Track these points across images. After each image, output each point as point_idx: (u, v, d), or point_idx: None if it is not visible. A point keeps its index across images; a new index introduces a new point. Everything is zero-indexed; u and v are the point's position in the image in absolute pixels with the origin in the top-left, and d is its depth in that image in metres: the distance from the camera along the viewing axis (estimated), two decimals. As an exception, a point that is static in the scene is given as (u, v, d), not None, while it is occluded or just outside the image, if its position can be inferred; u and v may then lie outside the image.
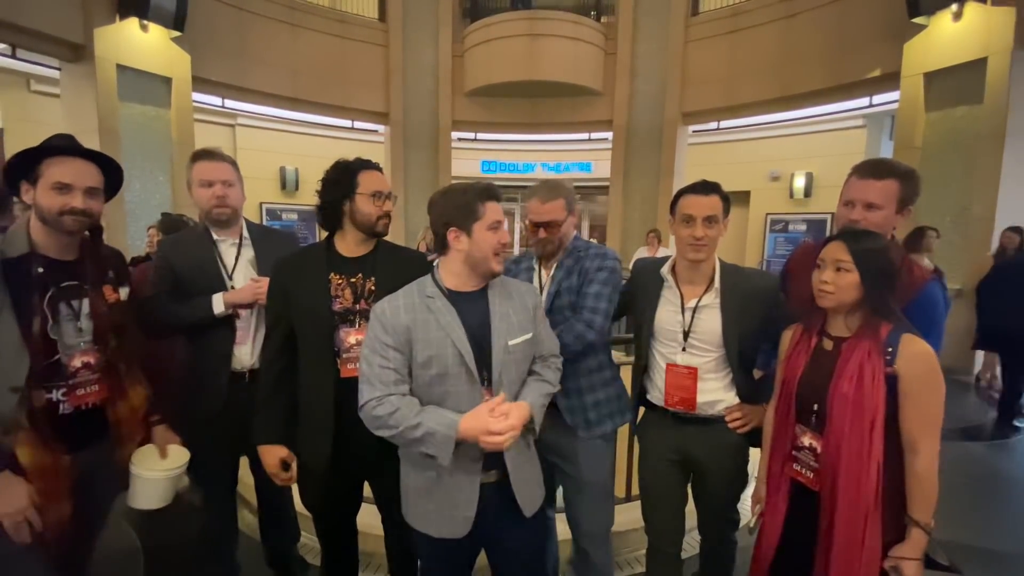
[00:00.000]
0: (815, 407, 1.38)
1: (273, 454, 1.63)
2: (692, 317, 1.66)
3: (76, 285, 1.44)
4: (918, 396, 1.27)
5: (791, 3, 7.66)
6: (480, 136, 11.16)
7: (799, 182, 9.81)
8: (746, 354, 1.67)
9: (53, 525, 1.35)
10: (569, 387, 1.70)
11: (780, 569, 1.47)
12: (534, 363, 1.51)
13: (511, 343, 1.38)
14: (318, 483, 1.66)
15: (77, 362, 1.42)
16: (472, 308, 1.38)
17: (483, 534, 1.40)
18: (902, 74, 6.14)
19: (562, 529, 2.02)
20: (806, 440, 1.41)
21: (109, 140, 5.97)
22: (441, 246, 1.40)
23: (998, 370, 5.14)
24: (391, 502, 1.60)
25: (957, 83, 5.68)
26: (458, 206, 1.36)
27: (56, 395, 1.39)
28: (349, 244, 1.65)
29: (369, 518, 1.82)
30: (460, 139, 10.70)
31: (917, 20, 5.90)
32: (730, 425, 1.67)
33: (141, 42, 6.34)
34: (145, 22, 6.26)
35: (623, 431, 1.95)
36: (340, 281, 1.61)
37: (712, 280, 1.66)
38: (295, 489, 1.78)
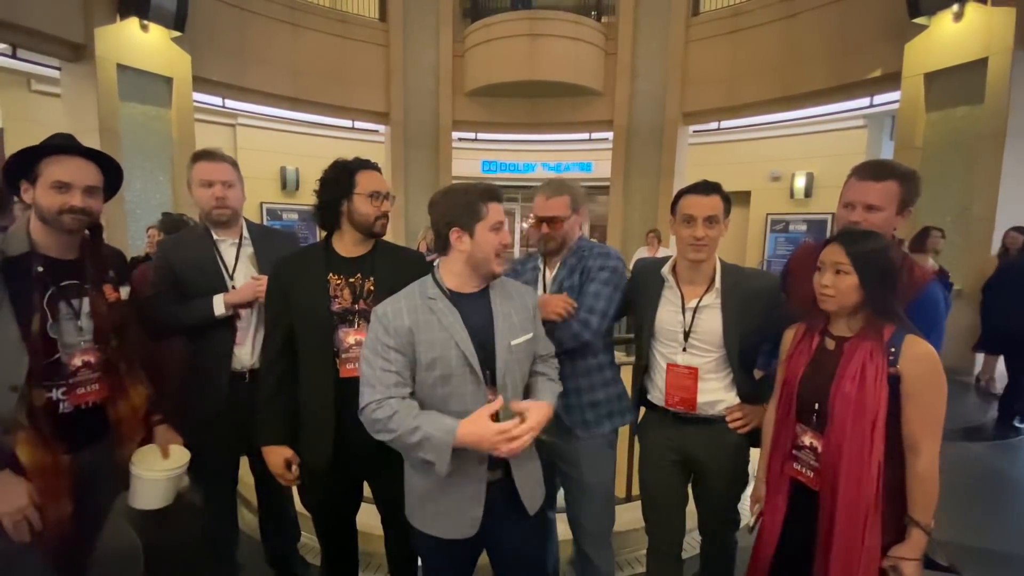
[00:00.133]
0: (816, 406, 1.38)
1: (278, 455, 1.63)
2: (693, 317, 1.66)
3: (76, 284, 1.45)
4: (920, 397, 1.27)
5: (792, 3, 7.65)
6: (480, 136, 11.16)
7: (800, 182, 9.81)
8: (747, 354, 1.67)
9: (53, 524, 1.35)
10: (568, 387, 1.70)
11: (779, 568, 1.47)
12: (535, 363, 1.51)
13: (514, 343, 1.38)
14: (318, 483, 1.66)
15: (77, 361, 1.42)
16: (474, 309, 1.38)
17: (486, 534, 1.40)
18: (903, 74, 6.14)
19: (563, 529, 2.02)
20: (807, 439, 1.41)
21: (110, 140, 5.97)
22: (443, 246, 1.40)
23: (997, 371, 5.14)
24: (391, 502, 1.61)
25: (958, 83, 5.68)
26: (461, 206, 1.35)
27: (56, 394, 1.39)
28: (347, 244, 1.65)
29: (369, 518, 1.82)
30: (460, 139, 10.69)
31: (918, 20, 5.90)
32: (731, 425, 1.67)
33: (142, 42, 6.35)
34: (146, 22, 6.26)
35: (624, 431, 1.95)
36: (339, 281, 1.61)
37: (713, 280, 1.66)
38: (295, 489, 1.78)
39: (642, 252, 7.36)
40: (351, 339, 1.59)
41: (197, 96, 7.35)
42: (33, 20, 5.41)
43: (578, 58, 8.99)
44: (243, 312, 1.85)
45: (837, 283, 1.33)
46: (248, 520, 2.54)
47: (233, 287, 1.86)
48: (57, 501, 1.36)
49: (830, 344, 1.41)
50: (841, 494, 1.30)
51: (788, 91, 7.86)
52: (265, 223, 9.41)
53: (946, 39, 5.74)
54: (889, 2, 6.28)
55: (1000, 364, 5.12)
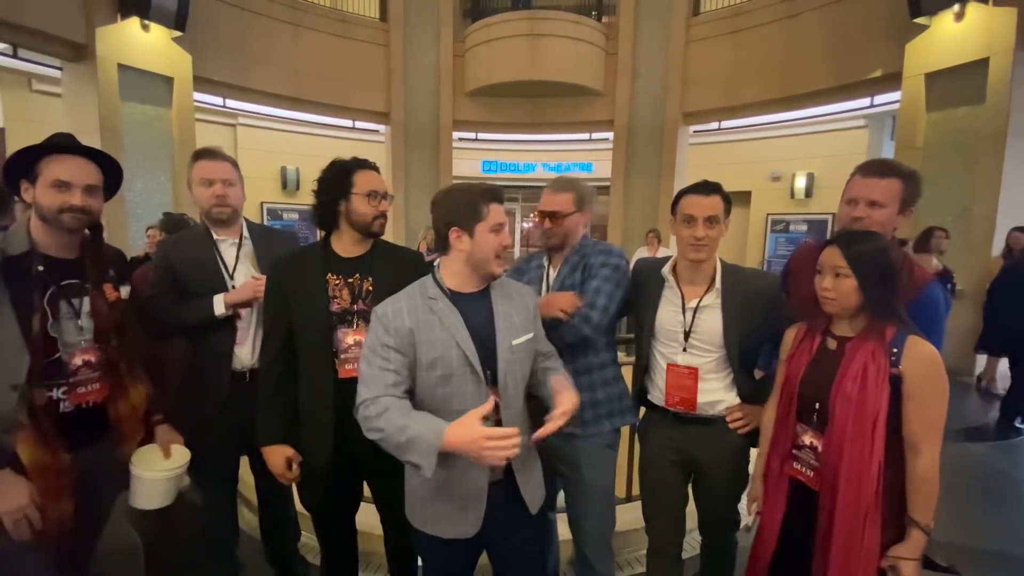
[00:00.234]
0: (816, 406, 1.38)
1: (279, 454, 1.63)
2: (693, 317, 1.66)
3: (77, 283, 1.45)
4: (922, 398, 1.27)
5: (792, 3, 7.65)
6: (481, 136, 11.16)
7: (800, 182, 9.80)
8: (747, 354, 1.67)
9: (54, 524, 1.35)
10: None
11: (778, 568, 1.47)
12: (540, 360, 1.51)
13: (515, 343, 1.38)
14: (317, 483, 1.66)
15: (78, 360, 1.43)
16: (475, 309, 1.38)
17: (486, 534, 1.40)
18: (904, 74, 6.14)
19: (563, 529, 2.01)
20: (807, 439, 1.41)
21: (111, 140, 5.97)
22: (443, 246, 1.40)
23: (998, 372, 5.14)
24: (391, 502, 1.60)
25: (959, 83, 5.67)
26: (461, 206, 1.35)
27: (57, 393, 1.39)
28: (346, 244, 1.65)
29: (369, 518, 1.82)
30: (461, 139, 10.69)
31: (919, 20, 5.90)
32: (731, 425, 1.67)
33: (143, 42, 6.35)
34: (146, 22, 6.27)
35: (624, 431, 1.94)
36: (337, 282, 1.61)
37: (713, 280, 1.66)
38: (295, 489, 1.78)
39: (642, 252, 7.36)
40: (350, 339, 1.59)
41: (198, 96, 7.36)
42: (34, 20, 5.42)
43: (579, 58, 8.99)
44: (243, 312, 1.85)
45: (837, 286, 1.33)
46: (248, 519, 2.54)
47: (233, 287, 1.86)
48: (58, 500, 1.36)
49: (832, 344, 1.41)
50: (841, 494, 1.30)
51: (789, 91, 7.86)
52: (266, 223, 9.44)
53: (947, 39, 5.73)
54: (890, 2, 6.28)
55: (1002, 365, 5.12)
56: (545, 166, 12.19)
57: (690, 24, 8.84)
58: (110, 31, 6.05)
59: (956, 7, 5.57)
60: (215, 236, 1.90)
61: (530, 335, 1.43)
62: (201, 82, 7.24)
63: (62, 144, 1.41)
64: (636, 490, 2.09)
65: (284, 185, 10.56)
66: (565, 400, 1.34)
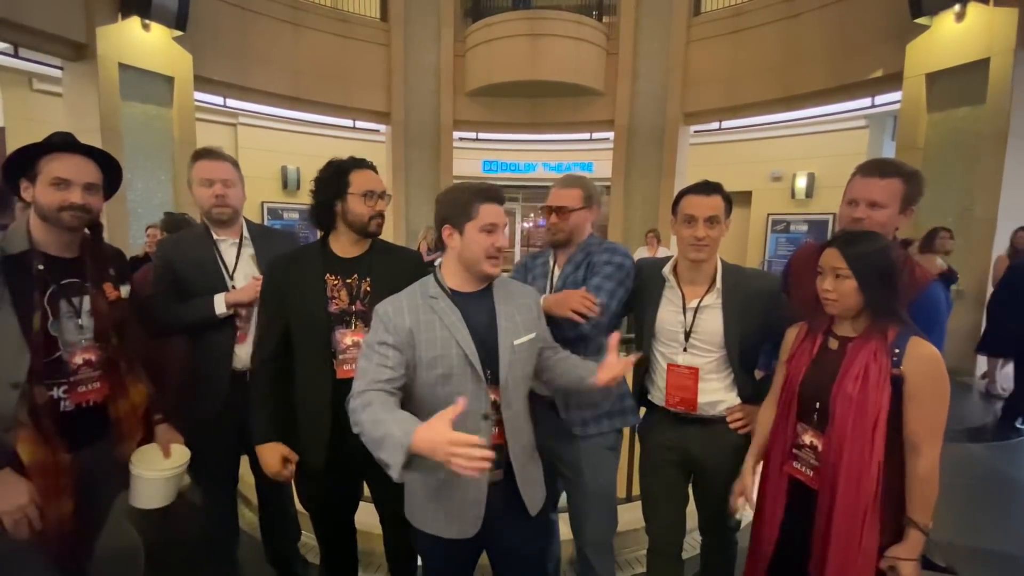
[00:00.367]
0: (817, 405, 1.38)
1: (274, 451, 1.61)
2: (694, 317, 1.66)
3: (77, 282, 1.45)
4: (923, 399, 1.27)
5: (793, 3, 7.65)
6: (481, 136, 11.15)
7: (801, 182, 9.80)
8: (747, 354, 1.67)
9: (54, 523, 1.35)
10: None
11: (776, 566, 1.48)
12: (549, 356, 1.52)
13: (516, 343, 1.38)
14: (316, 483, 1.66)
15: (78, 359, 1.42)
16: (476, 308, 1.38)
17: (487, 534, 1.40)
18: (904, 74, 6.13)
19: (564, 529, 2.01)
20: (807, 438, 1.41)
21: (111, 139, 5.98)
22: (441, 243, 1.41)
23: (998, 373, 5.13)
24: (390, 502, 1.60)
25: (959, 84, 5.67)
26: (454, 204, 1.36)
27: (57, 392, 1.39)
28: (343, 244, 1.64)
29: (369, 517, 1.82)
30: (461, 139, 10.70)
31: (919, 20, 5.90)
32: (731, 426, 1.66)
33: (143, 41, 6.36)
34: (147, 21, 6.28)
35: (625, 430, 1.94)
36: (336, 282, 1.61)
37: (714, 280, 1.66)
38: (295, 488, 1.78)
39: (642, 252, 7.36)
40: (348, 340, 1.58)
41: (198, 95, 7.37)
42: (35, 19, 5.42)
43: (579, 58, 8.99)
44: (243, 311, 1.85)
45: (838, 287, 1.33)
46: (249, 519, 2.54)
47: (233, 286, 1.85)
48: (58, 500, 1.36)
49: (833, 344, 1.41)
50: (840, 493, 1.30)
51: (789, 91, 7.86)
52: (266, 222, 9.45)
53: (948, 39, 5.73)
54: (891, 2, 6.28)
55: (1002, 365, 5.12)
56: (546, 166, 12.19)
57: (691, 24, 8.83)
58: (111, 31, 6.05)
59: (957, 7, 5.56)
60: (215, 236, 1.90)
61: (532, 335, 1.43)
62: (202, 81, 7.25)
63: (62, 142, 1.41)
64: (636, 490, 2.09)
65: (284, 185, 10.57)
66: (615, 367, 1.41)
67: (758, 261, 10.16)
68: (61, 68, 6.22)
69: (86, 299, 1.45)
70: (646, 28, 9.08)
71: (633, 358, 1.52)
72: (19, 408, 1.30)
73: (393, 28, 9.32)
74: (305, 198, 1.68)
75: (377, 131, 10.39)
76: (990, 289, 5.20)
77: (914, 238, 4.91)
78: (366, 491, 1.78)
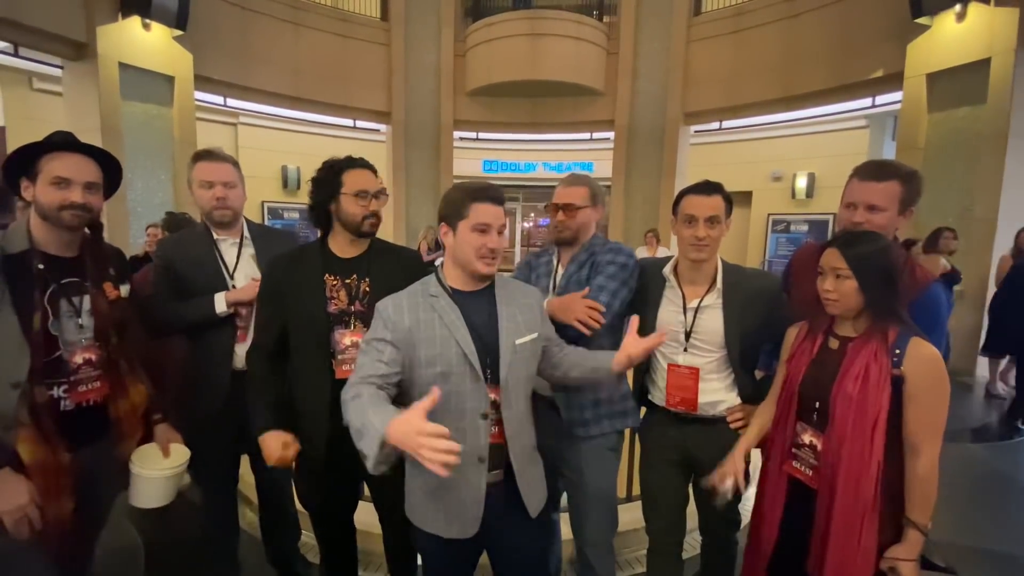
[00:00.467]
0: (816, 405, 1.38)
1: (276, 439, 1.57)
2: (694, 317, 1.66)
3: (77, 282, 1.45)
4: (923, 399, 1.27)
5: (794, 3, 7.64)
6: (482, 136, 11.16)
7: (801, 182, 9.80)
8: (748, 354, 1.67)
9: (54, 522, 1.35)
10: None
11: (775, 566, 1.47)
12: (556, 352, 1.52)
13: (518, 342, 1.38)
14: (315, 483, 1.66)
15: (78, 359, 1.42)
16: (478, 307, 1.38)
17: (487, 534, 1.40)
18: (905, 75, 6.13)
19: (565, 529, 2.01)
20: (807, 438, 1.41)
21: (111, 138, 5.98)
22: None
23: (998, 373, 5.13)
24: (389, 502, 1.60)
25: (960, 84, 5.67)
26: (450, 203, 1.37)
27: (58, 392, 1.39)
28: (341, 244, 1.64)
29: (368, 517, 1.82)
30: (462, 138, 10.70)
31: (920, 20, 5.90)
32: (732, 425, 1.66)
33: (143, 41, 6.36)
34: (147, 21, 6.28)
35: (625, 431, 1.94)
36: (335, 282, 1.60)
37: (714, 280, 1.66)
38: (295, 488, 1.78)
39: (641, 252, 7.36)
40: (347, 340, 1.58)
41: (199, 95, 7.37)
42: (35, 19, 5.42)
43: (579, 58, 8.98)
44: (244, 311, 1.85)
45: (838, 287, 1.33)
46: (249, 519, 2.54)
47: (233, 286, 1.85)
48: (58, 499, 1.36)
49: (833, 344, 1.41)
50: (839, 493, 1.30)
51: (790, 91, 7.86)
52: (266, 222, 9.45)
53: (948, 39, 5.73)
54: (891, 2, 6.27)
55: (1003, 366, 5.11)
56: (546, 166, 12.19)
57: (691, 24, 8.83)
58: (111, 30, 6.05)
59: (957, 7, 5.56)
60: (215, 236, 1.90)
61: (534, 335, 1.43)
62: (202, 81, 7.25)
63: (62, 141, 1.41)
64: (636, 490, 2.09)
65: (285, 184, 10.57)
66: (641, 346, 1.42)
67: (758, 261, 10.16)
68: (61, 67, 6.22)
69: (86, 298, 1.45)
70: (646, 28, 9.08)
71: (660, 336, 1.47)
72: (19, 407, 1.30)
73: (393, 28, 9.32)
74: (305, 198, 1.68)
75: (377, 131, 10.39)
76: (991, 289, 5.20)
77: (918, 238, 4.91)
78: (366, 491, 1.78)
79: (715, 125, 9.89)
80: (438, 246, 7.45)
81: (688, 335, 1.66)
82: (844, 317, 1.39)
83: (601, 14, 9.54)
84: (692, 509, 1.83)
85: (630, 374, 1.95)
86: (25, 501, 1.29)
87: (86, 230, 1.49)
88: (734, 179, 8.93)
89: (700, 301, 1.66)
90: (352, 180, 1.59)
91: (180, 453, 1.64)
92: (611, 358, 1.46)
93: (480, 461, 1.34)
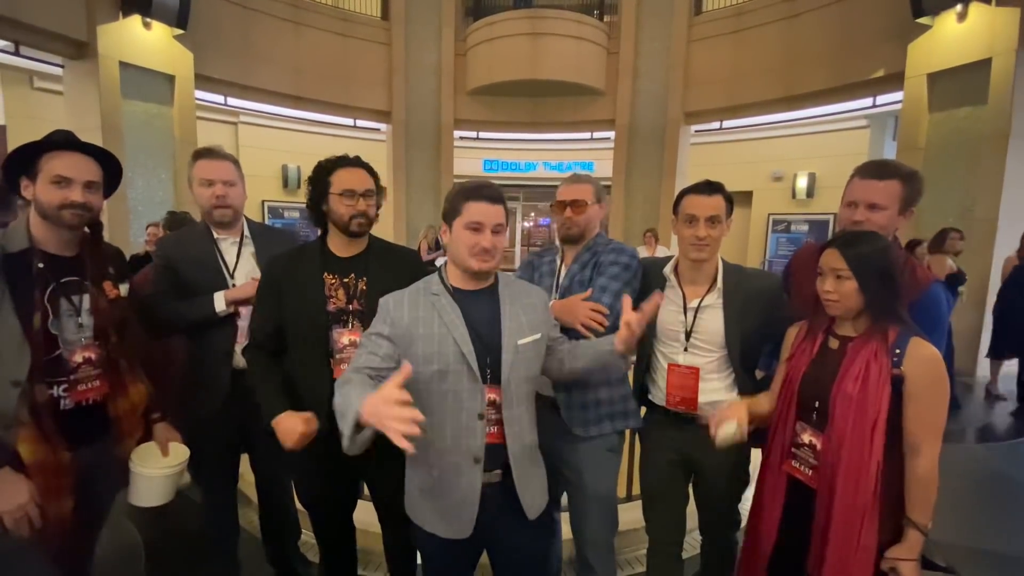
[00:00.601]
0: (816, 404, 1.38)
1: (292, 418, 1.51)
2: (694, 317, 1.66)
3: (77, 281, 1.45)
4: (923, 399, 1.27)
5: (794, 3, 7.64)
6: (482, 135, 11.16)
7: (802, 182, 9.80)
8: (748, 354, 1.67)
9: (54, 521, 1.35)
10: (571, 382, 1.68)
11: (774, 565, 1.47)
12: (560, 348, 1.52)
13: (521, 343, 1.37)
14: (314, 481, 1.66)
15: (78, 358, 1.42)
16: (479, 307, 1.38)
17: (486, 535, 1.40)
18: (906, 75, 6.13)
19: (565, 528, 2.01)
20: (806, 437, 1.41)
21: (112, 137, 5.97)
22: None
23: (1000, 374, 5.12)
24: (388, 501, 1.60)
25: (961, 84, 5.66)
26: (449, 201, 1.38)
27: (57, 391, 1.39)
28: (338, 244, 1.65)
29: (368, 516, 1.82)
30: (462, 138, 10.70)
31: (921, 20, 5.89)
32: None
33: (144, 40, 6.35)
34: (148, 20, 6.27)
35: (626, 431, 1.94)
36: (333, 281, 1.61)
37: (715, 280, 1.66)
38: (295, 487, 1.78)
39: (640, 252, 7.35)
40: (345, 339, 1.58)
41: (199, 94, 7.36)
42: (36, 17, 5.42)
43: (580, 57, 8.98)
44: (244, 310, 1.85)
45: (839, 288, 1.33)
46: (249, 518, 2.54)
47: (233, 285, 1.85)
48: (58, 498, 1.36)
49: (833, 343, 1.41)
50: (839, 493, 1.30)
51: (790, 91, 7.85)
52: (267, 221, 9.45)
53: (949, 39, 5.72)
54: (892, 2, 6.27)
55: (1005, 367, 5.10)
56: (546, 165, 12.19)
57: (692, 23, 8.82)
58: (111, 29, 6.05)
59: (958, 7, 5.56)
60: (215, 235, 1.90)
61: (538, 335, 1.42)
62: (202, 80, 7.24)
63: (62, 140, 1.41)
64: (636, 490, 2.09)
65: (285, 183, 10.58)
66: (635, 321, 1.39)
67: (759, 261, 10.16)
68: (62, 66, 6.22)
69: (86, 297, 1.45)
70: (647, 27, 9.07)
71: (656, 298, 1.42)
72: (19, 406, 1.30)
73: (394, 27, 9.31)
74: (305, 197, 1.69)
75: (378, 130, 10.39)
76: (991, 290, 5.19)
77: (923, 239, 4.90)
78: (365, 490, 1.78)
79: (715, 125, 9.88)
80: (438, 246, 7.45)
81: (688, 335, 1.66)
82: (844, 318, 1.39)
83: (602, 14, 9.54)
84: (692, 509, 1.83)
85: (630, 374, 1.95)
86: (25, 500, 1.29)
87: (86, 229, 1.49)
88: (734, 179, 8.91)
89: (700, 301, 1.66)
90: (339, 180, 1.59)
91: (179, 452, 1.64)
92: (613, 339, 1.45)
93: (476, 462, 1.34)
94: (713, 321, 1.64)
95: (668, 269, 1.73)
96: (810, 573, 1.37)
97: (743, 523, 1.85)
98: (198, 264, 1.86)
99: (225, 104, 8.81)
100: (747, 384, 1.68)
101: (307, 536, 2.35)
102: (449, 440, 1.33)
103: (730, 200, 1.63)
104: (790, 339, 1.52)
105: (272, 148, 10.31)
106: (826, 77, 7.38)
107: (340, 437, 1.51)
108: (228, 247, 1.91)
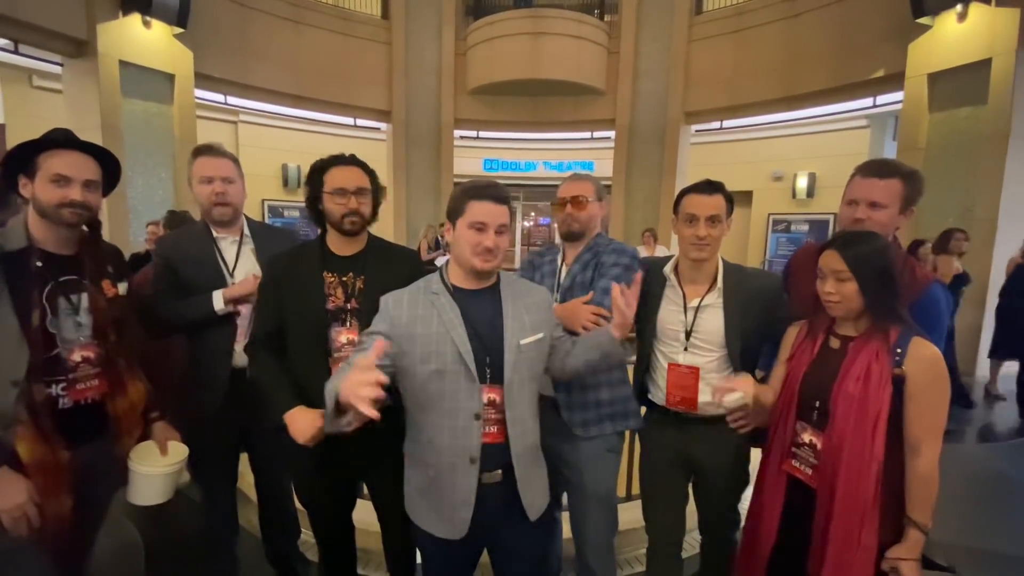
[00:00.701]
0: (817, 404, 1.38)
1: (305, 413, 1.49)
2: (695, 316, 1.65)
3: (75, 279, 1.44)
4: (924, 398, 1.27)
5: (795, 3, 7.63)
6: (482, 134, 11.16)
7: (802, 182, 9.80)
8: (748, 354, 1.67)
9: (53, 521, 1.35)
10: (572, 382, 1.68)
11: (774, 565, 1.47)
12: (563, 346, 1.52)
13: (523, 342, 1.37)
14: (313, 481, 1.65)
15: (76, 357, 1.42)
16: (480, 306, 1.38)
17: (484, 535, 1.40)
18: (906, 75, 6.12)
19: (566, 528, 2.01)
20: (806, 437, 1.41)
21: (112, 136, 5.97)
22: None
23: (999, 374, 5.11)
24: (387, 501, 1.60)
25: (961, 84, 5.66)
26: (452, 200, 1.39)
27: (56, 390, 1.39)
28: (337, 242, 1.65)
29: (367, 515, 1.82)
30: (462, 137, 10.70)
31: (921, 21, 5.89)
32: (732, 425, 1.66)
33: (144, 38, 6.35)
34: (148, 18, 6.26)
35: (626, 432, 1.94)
36: (332, 280, 1.61)
37: (715, 280, 1.66)
38: (294, 486, 1.77)
39: (640, 252, 7.35)
40: (343, 338, 1.58)
41: (199, 93, 7.35)
42: (35, 16, 5.41)
43: (580, 57, 8.98)
44: (243, 309, 1.84)
45: (839, 289, 1.33)
46: (249, 517, 2.53)
47: (233, 284, 1.85)
48: (57, 497, 1.36)
49: (834, 343, 1.41)
50: (839, 492, 1.30)
51: (791, 91, 7.85)
52: (267, 220, 9.44)
53: (950, 39, 5.72)
54: (892, 2, 6.26)
55: (1005, 367, 5.09)
56: (546, 165, 12.18)
57: (692, 23, 8.82)
58: (111, 27, 6.04)
59: (959, 7, 5.55)
60: (215, 233, 1.90)
61: (540, 335, 1.42)
62: (202, 79, 7.23)
63: (61, 139, 1.40)
64: (636, 489, 2.08)
65: (285, 183, 10.57)
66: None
67: (759, 261, 10.16)
68: (61, 65, 6.20)
69: (84, 296, 1.45)
70: (647, 27, 9.07)
71: (637, 280, 1.45)
72: (18, 405, 1.30)
73: (394, 26, 9.31)
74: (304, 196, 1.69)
75: (378, 129, 10.38)
76: (992, 290, 5.19)
77: (924, 239, 4.90)
78: (365, 489, 1.78)
79: (716, 125, 9.88)
80: (438, 245, 7.45)
81: (688, 334, 1.66)
82: (846, 318, 1.38)
83: (602, 13, 9.53)
84: (692, 509, 1.82)
85: (631, 374, 1.95)
86: (24, 499, 1.29)
87: (84, 228, 1.48)
88: (735, 179, 8.88)
89: (701, 300, 1.65)
90: (331, 178, 1.59)
91: (178, 450, 1.64)
92: (609, 327, 1.45)
93: (471, 462, 1.33)
94: (713, 321, 1.64)
95: (668, 269, 1.73)
96: (810, 573, 1.37)
97: (743, 523, 1.85)
98: (197, 263, 1.85)
99: (225, 103, 8.81)
100: (747, 384, 1.67)
101: (307, 536, 2.35)
102: (446, 439, 1.33)
103: (730, 200, 1.63)
104: (790, 339, 1.52)
105: (272, 147, 10.30)
106: (826, 77, 7.38)
107: (336, 438, 1.52)
108: (228, 246, 1.91)
